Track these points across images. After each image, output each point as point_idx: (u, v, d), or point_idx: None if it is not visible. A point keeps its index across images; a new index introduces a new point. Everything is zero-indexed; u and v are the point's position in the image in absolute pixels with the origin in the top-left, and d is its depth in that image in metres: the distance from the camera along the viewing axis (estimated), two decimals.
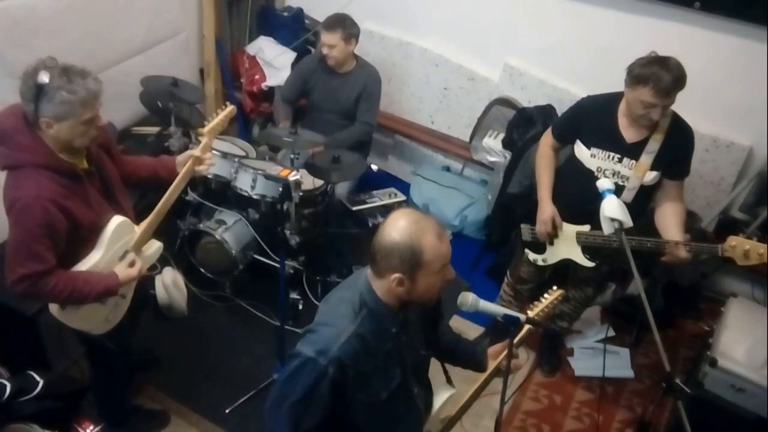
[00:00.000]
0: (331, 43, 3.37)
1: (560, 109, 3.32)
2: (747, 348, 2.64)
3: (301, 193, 2.90)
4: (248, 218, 3.24)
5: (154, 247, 2.31)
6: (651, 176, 2.52)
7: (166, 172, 2.32)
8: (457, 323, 3.30)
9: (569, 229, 2.70)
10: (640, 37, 3.07)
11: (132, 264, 2.14)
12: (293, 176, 2.73)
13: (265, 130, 3.82)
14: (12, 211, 1.87)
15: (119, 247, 2.13)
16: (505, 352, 1.70)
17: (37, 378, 2.25)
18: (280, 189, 2.79)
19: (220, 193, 3.28)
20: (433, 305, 1.80)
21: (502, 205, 3.58)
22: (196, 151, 2.26)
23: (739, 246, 2.32)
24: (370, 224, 3.36)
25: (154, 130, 3.60)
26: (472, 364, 1.99)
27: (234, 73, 4.22)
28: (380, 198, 3.50)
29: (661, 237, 2.51)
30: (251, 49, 4.21)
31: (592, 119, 2.61)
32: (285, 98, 3.67)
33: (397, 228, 1.57)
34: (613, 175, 2.54)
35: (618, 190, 2.43)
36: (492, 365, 1.88)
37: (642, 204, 2.60)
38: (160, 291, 2.72)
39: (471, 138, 3.89)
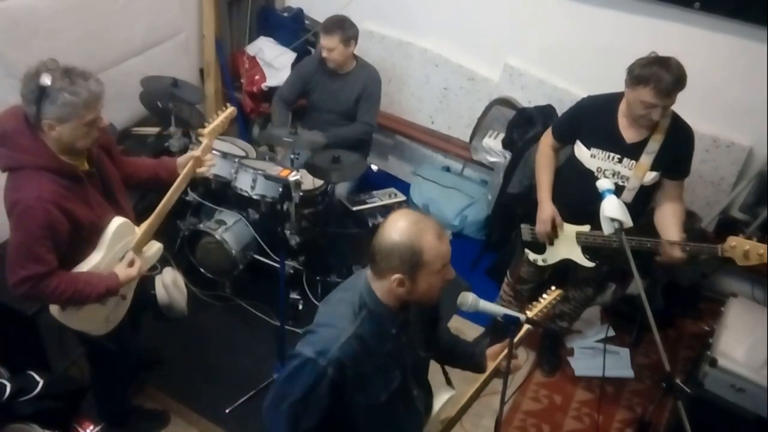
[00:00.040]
0: (330, 46, 3.36)
1: (560, 110, 3.32)
2: (747, 348, 2.65)
3: (301, 193, 2.91)
4: (248, 218, 3.24)
5: (155, 248, 2.32)
6: (651, 176, 2.52)
7: (166, 173, 2.32)
8: (457, 323, 3.31)
9: (569, 229, 2.70)
10: (640, 37, 3.07)
11: (131, 263, 2.14)
12: (293, 176, 2.74)
13: (265, 131, 3.82)
14: (13, 213, 1.88)
15: (120, 248, 2.13)
16: (505, 353, 1.70)
17: (37, 378, 2.25)
18: (280, 189, 2.79)
19: (220, 193, 3.29)
20: (432, 306, 1.79)
21: (502, 205, 3.58)
22: (196, 153, 2.27)
23: (739, 246, 2.32)
24: (370, 224, 3.35)
25: (154, 130, 3.60)
26: (471, 365, 1.99)
27: (234, 74, 4.22)
28: (380, 198, 3.49)
29: (660, 237, 2.51)
30: (251, 49, 4.20)
31: (592, 119, 2.61)
32: (284, 99, 3.66)
33: (396, 228, 1.57)
34: (613, 175, 2.54)
35: (618, 191, 2.43)
36: (491, 366, 1.88)
37: (642, 204, 2.60)
38: (160, 291, 2.71)
39: (471, 138, 3.89)
